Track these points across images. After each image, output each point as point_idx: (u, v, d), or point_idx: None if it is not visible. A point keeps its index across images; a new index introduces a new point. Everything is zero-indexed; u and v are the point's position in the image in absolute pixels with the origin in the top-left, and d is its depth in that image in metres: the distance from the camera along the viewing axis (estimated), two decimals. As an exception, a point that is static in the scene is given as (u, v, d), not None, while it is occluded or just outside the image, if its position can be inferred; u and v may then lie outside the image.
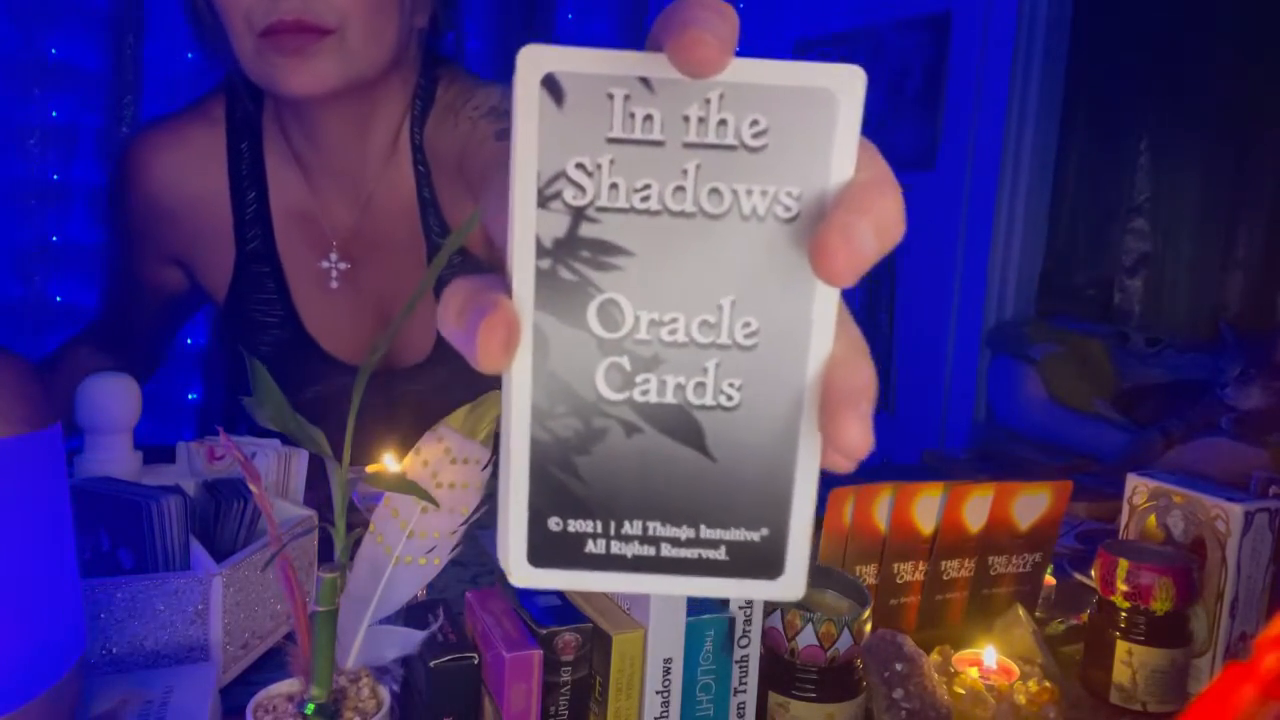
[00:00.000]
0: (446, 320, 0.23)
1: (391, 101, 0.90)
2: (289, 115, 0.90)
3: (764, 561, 0.24)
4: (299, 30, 0.76)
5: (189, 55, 2.10)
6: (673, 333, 0.23)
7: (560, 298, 0.22)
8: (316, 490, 0.77)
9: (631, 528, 0.23)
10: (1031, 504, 0.73)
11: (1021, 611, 0.70)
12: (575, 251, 0.22)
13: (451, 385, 0.92)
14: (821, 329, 0.23)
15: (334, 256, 0.93)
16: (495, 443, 0.51)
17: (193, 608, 0.58)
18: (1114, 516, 0.86)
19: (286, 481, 0.76)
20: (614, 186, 0.22)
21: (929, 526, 0.70)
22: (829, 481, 0.67)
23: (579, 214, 0.22)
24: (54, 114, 2.04)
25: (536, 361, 0.23)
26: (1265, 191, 2.26)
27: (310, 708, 0.46)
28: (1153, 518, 0.75)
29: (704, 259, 0.22)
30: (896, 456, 2.48)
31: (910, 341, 2.67)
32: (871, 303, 2.72)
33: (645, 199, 0.22)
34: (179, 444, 0.76)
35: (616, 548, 0.23)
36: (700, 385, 0.23)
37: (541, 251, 0.22)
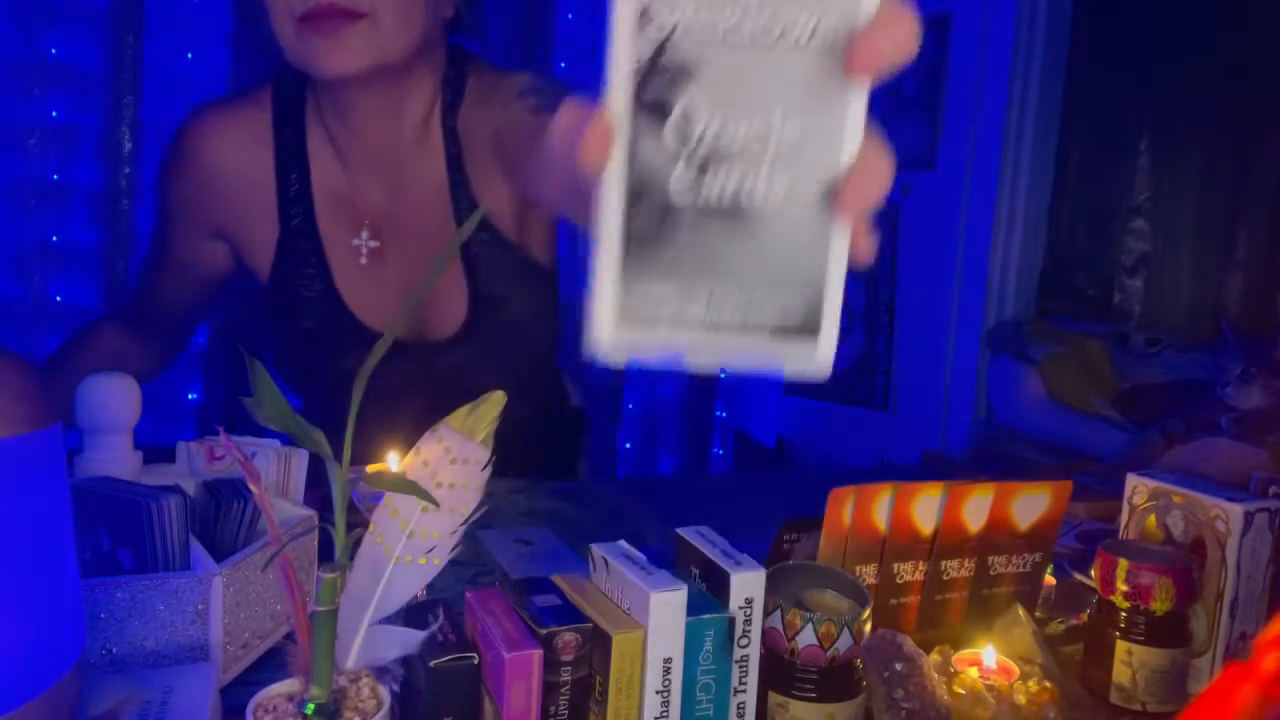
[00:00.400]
0: (557, 133, 0.30)
1: (420, 88, 0.97)
2: (327, 102, 0.98)
3: (803, 326, 0.30)
4: (334, 14, 0.84)
5: (189, 55, 2.10)
6: (733, 140, 0.28)
7: (645, 110, 0.28)
8: (316, 490, 0.77)
9: (698, 296, 0.29)
10: (1031, 504, 0.73)
11: (1021, 611, 0.70)
12: (659, 71, 0.28)
13: (482, 358, 1.00)
14: (853, 132, 0.29)
15: (364, 235, 1.00)
16: (495, 443, 0.51)
17: (193, 608, 0.58)
18: (1114, 516, 0.86)
19: (286, 481, 0.76)
20: (691, 17, 0.28)
21: (929, 526, 0.70)
22: (828, 482, 0.67)
23: (664, 40, 0.28)
24: (54, 114, 2.03)
25: (626, 162, 0.28)
26: (1265, 191, 2.26)
27: (310, 708, 0.46)
28: (1153, 518, 0.75)
29: (760, 79, 0.28)
30: (896, 456, 2.48)
31: (910, 341, 2.66)
32: (871, 303, 2.72)
33: (715, 28, 0.28)
34: (179, 444, 0.76)
35: (688, 313, 0.29)
36: (754, 182, 0.29)
37: (633, 71, 0.28)
